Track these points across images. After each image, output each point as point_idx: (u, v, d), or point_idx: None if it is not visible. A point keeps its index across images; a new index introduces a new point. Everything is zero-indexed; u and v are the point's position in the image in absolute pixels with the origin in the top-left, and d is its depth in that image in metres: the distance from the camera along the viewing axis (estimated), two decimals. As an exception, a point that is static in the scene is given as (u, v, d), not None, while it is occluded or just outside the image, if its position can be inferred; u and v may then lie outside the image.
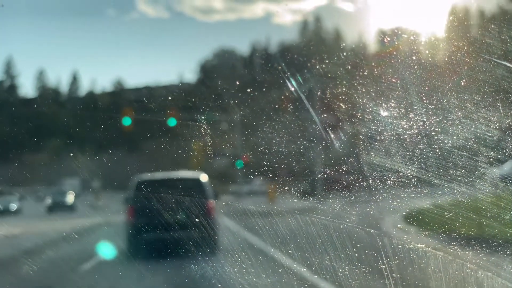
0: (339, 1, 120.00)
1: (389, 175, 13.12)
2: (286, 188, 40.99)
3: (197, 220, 17.92)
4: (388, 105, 12.50)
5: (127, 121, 31.93)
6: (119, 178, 69.38)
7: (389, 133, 12.80)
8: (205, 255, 16.94)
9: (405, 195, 15.13)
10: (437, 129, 12.89)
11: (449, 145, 12.89)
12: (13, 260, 18.78)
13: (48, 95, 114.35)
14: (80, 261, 16.96)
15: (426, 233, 16.77)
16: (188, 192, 18.48)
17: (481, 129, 12.53)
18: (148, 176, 20.94)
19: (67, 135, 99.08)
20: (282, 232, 16.95)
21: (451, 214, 15.45)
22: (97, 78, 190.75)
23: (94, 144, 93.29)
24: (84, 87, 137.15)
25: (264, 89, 62.66)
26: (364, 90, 13.23)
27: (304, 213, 26.82)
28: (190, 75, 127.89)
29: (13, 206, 51.40)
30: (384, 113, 12.54)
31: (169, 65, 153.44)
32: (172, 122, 32.34)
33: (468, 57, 12.65)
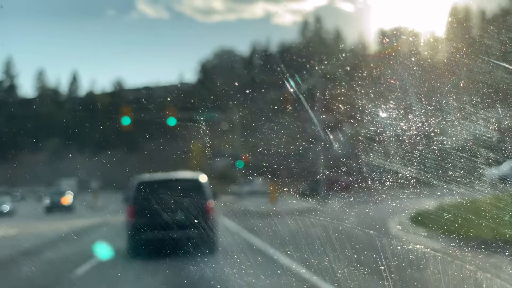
0: (339, 2, 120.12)
1: (389, 176, 13.12)
2: (287, 188, 40.92)
3: (196, 220, 17.98)
4: (388, 106, 12.50)
5: (126, 120, 31.72)
6: (118, 178, 69.43)
7: (389, 134, 12.81)
8: (204, 255, 16.99)
9: (405, 196, 15.11)
10: (437, 130, 12.90)
11: (448, 146, 12.89)
12: (5, 262, 18.70)
13: (47, 95, 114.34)
14: (77, 263, 16.87)
15: (429, 234, 16.67)
16: (187, 193, 18.57)
17: (480, 130, 12.54)
18: (148, 176, 21.02)
19: (66, 135, 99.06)
20: (283, 233, 16.94)
21: (452, 215, 15.43)
22: (97, 79, 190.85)
23: (93, 144, 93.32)
24: (83, 88, 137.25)
25: (264, 90, 62.68)
26: (364, 91, 13.24)
27: (305, 214, 26.77)
28: (190, 75, 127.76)
29: (5, 207, 50.64)
30: (384, 114, 12.55)
31: (169, 66, 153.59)
32: (172, 121, 32.09)
33: (467, 58, 12.66)
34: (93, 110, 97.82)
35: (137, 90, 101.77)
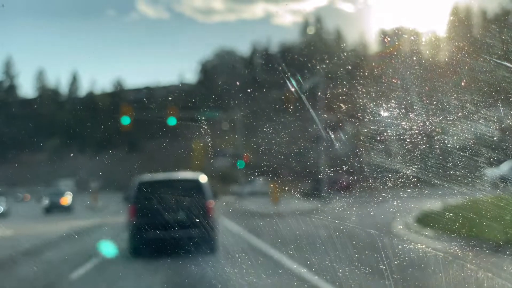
0: (339, 2, 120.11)
1: (391, 175, 13.08)
2: (289, 188, 40.81)
3: (196, 220, 18.12)
4: (390, 105, 12.47)
5: (126, 120, 31.40)
6: (118, 178, 69.41)
7: (391, 134, 12.78)
8: (205, 254, 17.10)
9: (407, 195, 15.04)
10: (439, 129, 12.87)
11: (450, 145, 12.86)
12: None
13: (47, 95, 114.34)
14: (74, 265, 16.76)
15: (435, 235, 16.53)
16: (187, 193, 18.73)
17: (482, 129, 12.51)
18: (148, 177, 21.25)
19: (67, 135, 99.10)
20: (286, 234, 16.92)
21: (456, 215, 15.37)
22: (97, 79, 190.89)
23: (94, 144, 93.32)
24: (84, 88, 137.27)
25: (265, 90, 62.64)
26: (365, 90, 13.20)
27: (308, 214, 26.69)
28: (191, 75, 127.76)
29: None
30: (386, 114, 12.51)
31: (169, 66, 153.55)
32: (172, 121, 31.83)
33: (469, 58, 12.64)
34: (93, 110, 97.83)
35: (137, 90, 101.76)
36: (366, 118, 13.66)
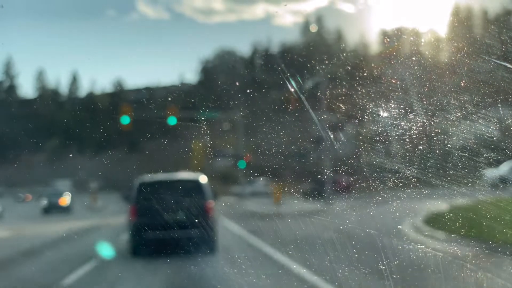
0: (339, 3, 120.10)
1: (394, 176, 13.04)
2: (290, 189, 40.70)
3: (196, 220, 18.29)
4: (392, 106, 12.45)
5: (125, 119, 31.15)
6: (117, 179, 69.36)
7: (393, 134, 12.77)
8: (204, 254, 17.22)
9: (410, 196, 14.97)
10: (440, 130, 12.84)
11: (456, 146, 12.84)
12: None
13: (47, 95, 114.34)
14: (72, 267, 16.66)
15: (447, 237, 16.28)
16: (187, 193, 18.87)
17: (486, 130, 12.52)
18: (149, 177, 21.46)
19: (67, 135, 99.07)
20: (290, 237, 16.90)
21: (463, 216, 15.27)
22: (97, 79, 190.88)
23: (94, 144, 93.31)
24: (84, 88, 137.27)
25: (265, 90, 62.62)
26: (367, 91, 13.17)
27: (311, 216, 26.58)
28: (191, 76, 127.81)
29: None
30: (388, 114, 12.49)
31: (169, 66, 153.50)
32: (172, 120, 31.61)
33: (469, 58, 12.64)
34: (93, 111, 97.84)
35: (137, 91, 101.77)
36: (367, 119, 13.67)
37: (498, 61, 12.39)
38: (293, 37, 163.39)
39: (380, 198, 15.51)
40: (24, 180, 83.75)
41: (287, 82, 15.81)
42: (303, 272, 12.99)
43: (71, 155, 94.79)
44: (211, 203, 19.14)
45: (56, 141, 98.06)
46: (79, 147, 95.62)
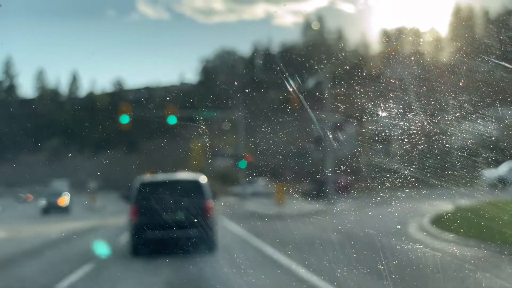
0: (339, 3, 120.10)
1: (398, 176, 12.99)
2: (293, 189, 40.58)
3: (196, 220, 18.42)
4: (398, 107, 12.42)
5: (125, 119, 30.88)
6: (116, 178, 69.26)
7: (397, 135, 12.75)
8: (203, 253, 17.32)
9: (415, 196, 14.89)
10: (445, 130, 12.81)
11: (462, 146, 12.82)
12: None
13: (47, 95, 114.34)
14: (67, 271, 16.52)
15: (458, 239, 16.02)
16: (187, 193, 19.00)
17: (493, 130, 12.51)
18: (150, 178, 21.67)
19: (66, 135, 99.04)
20: (297, 239, 16.84)
21: (470, 217, 15.13)
22: (97, 79, 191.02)
23: (93, 144, 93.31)
24: (84, 88, 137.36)
25: (266, 90, 62.63)
26: (371, 91, 13.12)
27: (317, 216, 26.48)
28: (191, 76, 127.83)
29: None
30: (392, 115, 12.45)
31: (169, 66, 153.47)
32: (172, 120, 31.38)
33: (472, 58, 12.64)
34: (93, 110, 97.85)
35: (137, 91, 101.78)
36: (368, 119, 13.66)
37: (497, 61, 12.39)
38: (293, 37, 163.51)
39: (381, 198, 15.47)
40: (23, 180, 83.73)
41: (287, 82, 15.83)
42: (319, 279, 12.52)
43: (70, 154, 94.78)
44: (210, 203, 19.27)
45: (56, 141, 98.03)
46: (79, 147, 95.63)
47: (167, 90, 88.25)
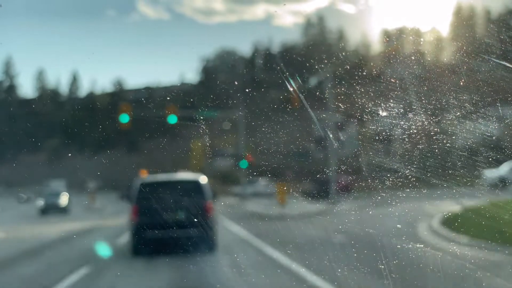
0: (340, 3, 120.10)
1: (403, 176, 12.93)
2: (295, 189, 40.44)
3: (196, 219, 18.52)
4: (398, 105, 12.40)
5: (124, 118, 30.62)
6: (116, 179, 69.18)
7: (401, 134, 12.72)
8: (203, 253, 17.38)
9: (421, 196, 14.77)
10: (451, 130, 12.78)
11: (461, 146, 12.78)
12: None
13: (47, 95, 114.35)
14: (63, 274, 16.37)
15: (472, 242, 15.62)
16: (188, 193, 19.13)
17: (499, 130, 12.49)
18: (150, 178, 21.89)
19: (66, 135, 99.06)
20: (303, 242, 16.76)
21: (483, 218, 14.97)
22: (98, 79, 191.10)
23: (93, 144, 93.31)
24: (84, 88, 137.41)
25: (268, 90, 62.61)
26: (374, 90, 13.09)
27: (319, 217, 26.35)
28: (191, 76, 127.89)
29: None
30: (393, 114, 12.42)
31: (170, 67, 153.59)
32: (172, 119, 31.17)
33: (471, 57, 12.62)
34: (93, 110, 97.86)
35: (137, 90, 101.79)
36: (371, 119, 13.63)
37: (498, 61, 12.37)
38: (294, 37, 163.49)
39: (383, 198, 15.38)
40: (23, 180, 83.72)
41: (287, 82, 15.83)
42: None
43: (70, 154, 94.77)
44: (210, 203, 19.37)
45: (56, 141, 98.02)
46: (79, 147, 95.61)
47: (167, 90, 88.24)
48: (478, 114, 12.42)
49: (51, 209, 49.27)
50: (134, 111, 34.77)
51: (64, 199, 51.20)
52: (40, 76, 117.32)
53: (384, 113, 12.47)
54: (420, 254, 13.36)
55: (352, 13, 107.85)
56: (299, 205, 34.98)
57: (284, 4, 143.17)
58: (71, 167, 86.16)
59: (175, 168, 35.79)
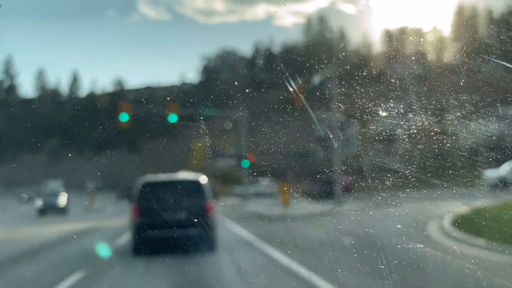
0: (340, 3, 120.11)
1: (407, 176, 12.89)
2: (298, 189, 40.32)
3: (196, 219, 18.62)
4: (406, 106, 12.37)
5: (124, 117, 30.35)
6: (116, 179, 69.13)
7: (406, 134, 12.70)
8: (204, 252, 17.46)
9: (426, 197, 14.69)
10: (461, 129, 12.74)
11: (467, 146, 12.74)
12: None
13: (47, 95, 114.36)
14: (58, 278, 16.27)
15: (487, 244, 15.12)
16: (188, 193, 19.25)
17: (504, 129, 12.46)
18: (151, 178, 21.99)
19: (66, 135, 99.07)
20: (310, 243, 16.65)
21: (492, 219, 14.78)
22: (98, 79, 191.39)
23: (93, 144, 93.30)
24: (84, 88, 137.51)
25: (268, 89, 62.62)
26: (381, 91, 13.07)
27: (325, 218, 26.18)
28: (192, 76, 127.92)
29: None
30: (401, 114, 12.39)
31: (170, 67, 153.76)
32: (173, 118, 30.96)
33: (470, 57, 12.61)
34: (93, 110, 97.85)
35: (138, 90, 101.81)
36: (374, 119, 13.61)
37: (500, 61, 12.36)
38: (294, 38, 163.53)
39: (390, 199, 15.29)
40: (23, 180, 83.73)
41: (287, 82, 15.82)
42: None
43: (70, 155, 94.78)
44: (211, 203, 19.49)
45: (56, 141, 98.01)
46: (79, 147, 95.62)
47: (168, 90, 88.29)
48: (482, 114, 12.40)
49: (49, 210, 48.70)
50: (134, 111, 34.69)
51: (63, 200, 50.63)
52: (40, 76, 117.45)
53: (386, 113, 12.46)
54: (441, 257, 13.10)
55: (353, 13, 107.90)
56: (302, 206, 34.85)
57: (285, 5, 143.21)
58: (71, 167, 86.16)
59: (176, 169, 35.80)
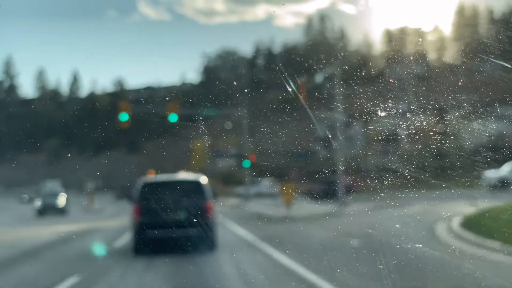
0: (340, 4, 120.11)
1: (411, 177, 12.84)
2: (299, 190, 40.21)
3: (196, 219, 18.69)
4: (412, 106, 12.34)
5: (124, 116, 30.19)
6: (116, 179, 69.04)
7: (410, 135, 12.67)
8: (203, 252, 17.52)
9: (429, 197, 14.60)
10: (469, 130, 12.71)
11: (473, 146, 12.70)
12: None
13: (47, 95, 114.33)
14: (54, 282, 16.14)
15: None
16: (188, 194, 19.33)
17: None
18: (152, 178, 22.17)
19: (66, 135, 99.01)
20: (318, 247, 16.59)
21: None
22: (98, 79, 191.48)
23: (93, 145, 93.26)
24: (85, 88, 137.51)
25: (269, 90, 62.60)
26: (386, 91, 13.02)
27: (330, 219, 26.06)
28: (193, 76, 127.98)
29: None
30: (404, 115, 12.37)
31: (171, 67, 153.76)
32: (173, 117, 30.86)
33: (470, 57, 12.61)
34: (93, 110, 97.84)
35: (138, 91, 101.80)
36: (378, 119, 13.59)
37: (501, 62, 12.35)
38: (295, 38, 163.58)
39: (393, 199, 15.24)
40: (23, 180, 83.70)
41: (287, 82, 15.82)
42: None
43: (69, 155, 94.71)
44: (211, 203, 19.55)
45: (56, 141, 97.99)
46: (79, 147, 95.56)
47: (168, 90, 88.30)
48: (487, 115, 12.38)
49: (48, 210, 48.32)
50: (134, 111, 34.63)
51: (62, 200, 50.28)
52: (40, 76, 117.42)
53: (385, 113, 12.44)
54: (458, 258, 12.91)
55: (353, 13, 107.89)
56: (304, 206, 34.78)
57: (283, 4, 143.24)
58: (71, 167, 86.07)
59: (176, 169, 35.79)
